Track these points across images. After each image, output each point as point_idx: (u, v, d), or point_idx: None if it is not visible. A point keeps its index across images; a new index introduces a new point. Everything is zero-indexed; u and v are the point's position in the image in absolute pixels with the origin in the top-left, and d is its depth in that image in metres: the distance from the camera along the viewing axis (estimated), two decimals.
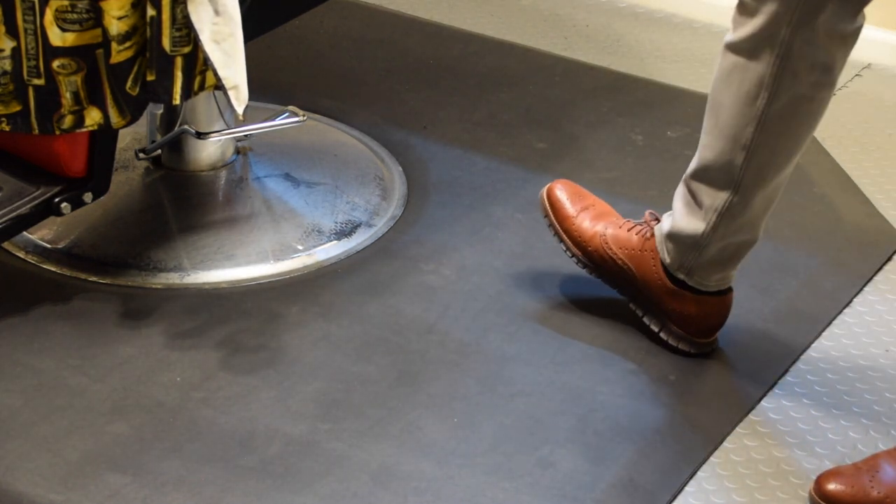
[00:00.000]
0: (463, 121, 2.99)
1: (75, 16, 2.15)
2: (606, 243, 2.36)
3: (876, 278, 2.58)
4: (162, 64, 2.20)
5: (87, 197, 2.35)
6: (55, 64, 2.18)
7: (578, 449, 2.17)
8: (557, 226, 2.41)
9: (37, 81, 2.19)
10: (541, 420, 2.22)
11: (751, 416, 2.24)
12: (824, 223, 2.71)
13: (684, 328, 2.32)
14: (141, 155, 2.67)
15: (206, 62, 2.18)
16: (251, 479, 2.08)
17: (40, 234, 2.56)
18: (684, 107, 3.07)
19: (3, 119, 2.23)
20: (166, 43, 2.18)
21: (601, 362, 2.33)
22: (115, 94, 2.22)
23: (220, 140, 2.67)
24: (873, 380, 2.34)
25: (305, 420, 2.20)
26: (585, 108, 3.05)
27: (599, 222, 2.39)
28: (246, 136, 2.72)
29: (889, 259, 2.63)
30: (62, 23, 2.15)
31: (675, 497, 2.09)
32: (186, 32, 2.18)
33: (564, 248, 2.41)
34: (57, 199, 2.31)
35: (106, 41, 2.17)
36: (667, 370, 2.32)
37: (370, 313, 2.43)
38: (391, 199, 2.73)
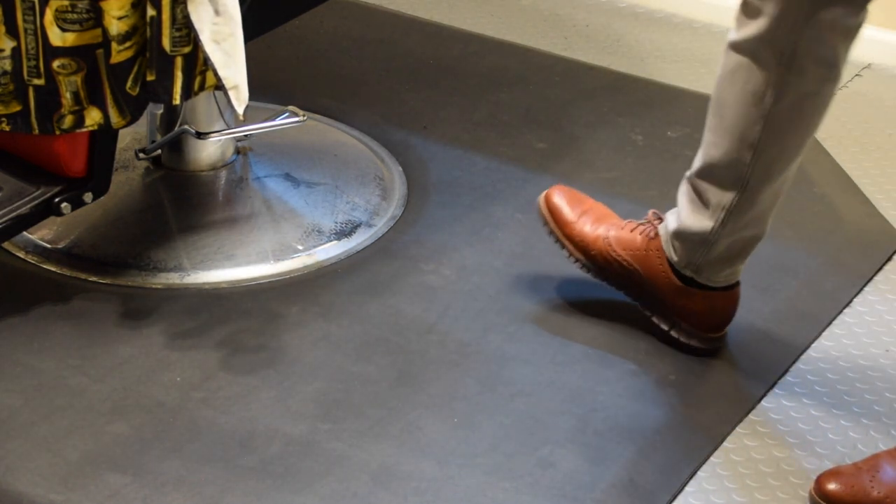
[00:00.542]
0: (463, 121, 2.99)
1: (75, 16, 2.15)
2: (610, 245, 2.36)
3: (876, 278, 2.58)
4: (162, 64, 2.20)
5: (87, 197, 2.35)
6: (55, 64, 2.18)
7: (578, 449, 2.17)
8: (558, 232, 2.41)
9: (37, 81, 2.19)
10: (541, 420, 2.22)
11: (751, 416, 2.24)
12: (824, 223, 2.71)
13: (695, 325, 2.32)
14: (141, 155, 2.67)
15: (207, 62, 2.18)
16: (251, 479, 2.08)
17: (40, 234, 2.56)
18: (684, 107, 3.07)
19: (3, 119, 2.23)
20: (166, 43, 2.18)
21: (601, 362, 2.33)
22: (115, 94, 2.22)
23: (220, 140, 2.67)
24: (873, 380, 2.34)
25: (305, 420, 2.20)
26: (585, 108, 3.05)
27: (601, 225, 2.39)
28: (246, 136, 2.72)
29: (889, 259, 2.63)
30: (62, 23, 2.15)
31: (675, 497, 2.09)
32: (186, 32, 2.18)
33: (567, 254, 2.41)
34: (57, 199, 2.31)
35: (106, 41, 2.17)
36: (667, 370, 2.32)
37: (370, 313, 2.43)
38: (391, 199, 2.73)
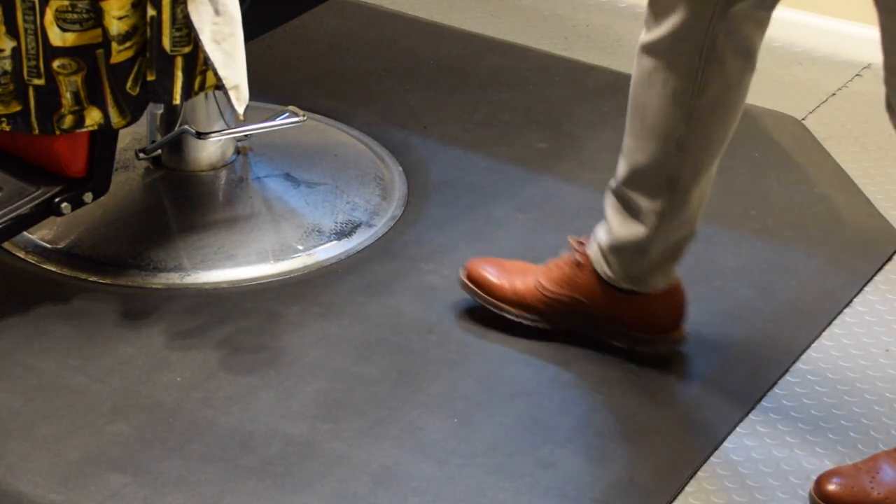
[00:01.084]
0: (463, 121, 2.99)
1: (75, 16, 2.15)
2: (545, 288, 2.33)
3: (876, 278, 2.58)
4: (162, 64, 2.20)
5: (87, 197, 2.35)
6: (55, 64, 2.18)
7: (579, 449, 2.17)
8: (492, 299, 2.38)
9: (37, 81, 2.19)
10: (541, 420, 2.22)
11: (751, 416, 2.24)
12: (824, 223, 2.71)
13: (651, 331, 2.31)
14: (141, 155, 2.67)
15: (207, 62, 2.18)
16: (251, 479, 2.08)
17: (40, 234, 2.56)
18: None
19: (4, 119, 2.23)
20: (166, 43, 2.18)
21: (601, 362, 2.33)
22: (115, 94, 2.22)
23: (220, 140, 2.67)
24: (873, 380, 2.34)
25: (305, 420, 2.20)
26: (585, 108, 3.05)
27: (528, 276, 2.36)
28: (246, 136, 2.72)
29: (889, 259, 2.63)
30: (62, 23, 2.15)
31: (675, 497, 2.09)
32: (187, 32, 2.18)
33: (510, 315, 2.37)
34: (57, 199, 2.31)
35: (106, 41, 2.17)
36: (667, 370, 2.32)
37: (370, 313, 2.43)
38: (391, 199, 2.73)
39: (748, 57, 2.10)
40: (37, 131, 2.23)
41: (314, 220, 2.64)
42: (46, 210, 2.32)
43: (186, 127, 2.58)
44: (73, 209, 2.33)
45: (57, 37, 2.16)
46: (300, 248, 2.57)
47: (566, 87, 3.14)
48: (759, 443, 2.20)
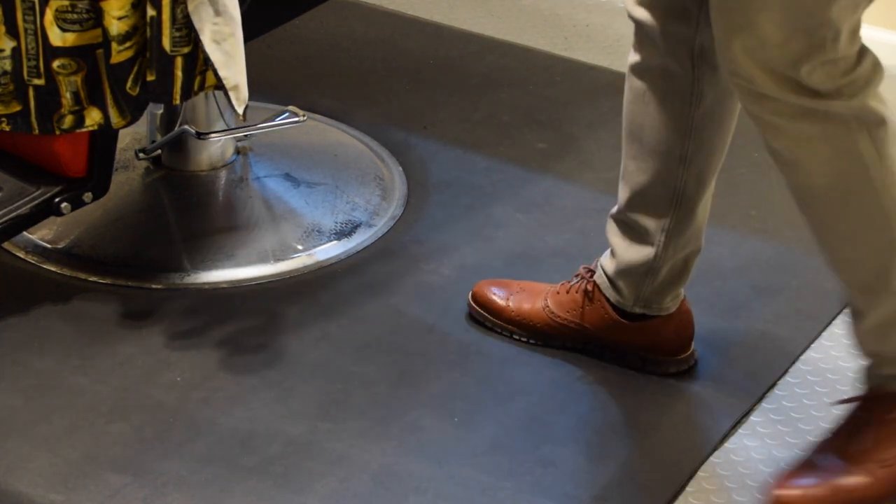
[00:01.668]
0: (463, 121, 2.99)
1: (75, 16, 2.15)
2: (552, 312, 2.32)
3: None
4: (162, 64, 2.20)
5: (87, 197, 2.35)
6: (55, 64, 2.18)
7: (579, 448, 2.17)
8: (498, 321, 2.37)
9: (37, 81, 2.19)
10: (541, 419, 2.22)
11: (751, 417, 2.24)
12: None
13: (661, 353, 2.30)
14: (141, 155, 2.67)
15: (207, 62, 2.18)
16: (251, 479, 2.08)
17: (40, 234, 2.56)
18: None
19: (3, 119, 2.23)
20: (166, 43, 2.18)
21: (601, 362, 2.33)
22: (115, 95, 2.22)
23: (220, 140, 2.67)
24: None
25: (305, 420, 2.20)
26: (585, 108, 3.05)
27: (538, 298, 2.35)
28: (246, 136, 2.72)
29: None
30: (62, 23, 2.15)
31: (675, 496, 2.09)
32: (187, 32, 2.18)
33: (518, 337, 2.36)
34: (57, 199, 2.31)
35: (106, 41, 2.17)
36: (667, 369, 2.32)
37: (370, 313, 2.43)
38: (391, 199, 2.73)
39: None
40: (37, 131, 2.23)
41: (314, 220, 2.64)
42: (46, 210, 2.32)
43: (186, 127, 2.58)
44: (73, 209, 2.33)
45: (57, 37, 2.16)
46: (300, 248, 2.57)
47: (566, 87, 3.14)
48: (760, 443, 2.19)
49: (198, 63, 2.23)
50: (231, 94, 2.21)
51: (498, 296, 2.37)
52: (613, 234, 2.24)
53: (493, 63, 3.22)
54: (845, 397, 2.12)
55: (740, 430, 2.21)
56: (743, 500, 2.10)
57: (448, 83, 3.12)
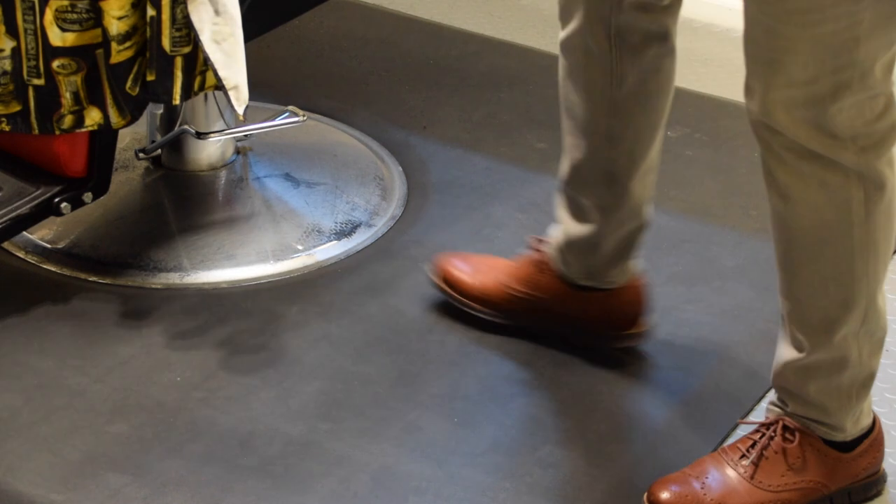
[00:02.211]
0: (463, 121, 2.99)
1: (75, 16, 2.15)
2: (509, 286, 2.34)
3: None
4: (162, 64, 2.20)
5: (87, 197, 2.35)
6: (55, 64, 2.18)
7: (578, 449, 2.17)
8: (458, 296, 2.38)
9: (37, 81, 2.19)
10: (541, 420, 2.22)
11: (751, 417, 2.24)
12: None
13: (611, 327, 2.31)
14: (141, 155, 2.67)
15: (207, 62, 2.18)
16: (251, 479, 2.08)
17: (40, 234, 2.56)
18: (684, 107, 3.07)
19: (3, 119, 2.23)
20: (166, 43, 2.18)
21: (601, 363, 2.33)
22: (115, 94, 2.22)
23: (220, 140, 2.67)
24: None
25: (305, 420, 2.20)
26: None
27: (495, 273, 2.36)
28: (246, 136, 2.72)
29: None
30: (62, 23, 2.15)
31: None
32: (186, 32, 2.18)
33: (475, 312, 2.37)
34: (57, 199, 2.31)
35: (106, 41, 2.17)
36: (666, 369, 2.32)
37: (370, 313, 2.43)
38: (391, 199, 2.73)
39: (662, 41, 2.09)
40: (37, 131, 2.24)
41: (314, 220, 2.64)
42: (46, 210, 2.32)
43: (186, 127, 2.58)
44: (72, 209, 2.33)
45: (57, 37, 2.16)
46: (300, 248, 2.57)
47: None
48: None
49: (198, 63, 2.23)
50: (231, 94, 2.21)
51: (458, 269, 2.39)
52: (560, 206, 2.26)
53: (493, 63, 3.22)
54: (748, 419, 2.14)
55: (740, 430, 2.21)
56: None
57: (448, 83, 3.12)
